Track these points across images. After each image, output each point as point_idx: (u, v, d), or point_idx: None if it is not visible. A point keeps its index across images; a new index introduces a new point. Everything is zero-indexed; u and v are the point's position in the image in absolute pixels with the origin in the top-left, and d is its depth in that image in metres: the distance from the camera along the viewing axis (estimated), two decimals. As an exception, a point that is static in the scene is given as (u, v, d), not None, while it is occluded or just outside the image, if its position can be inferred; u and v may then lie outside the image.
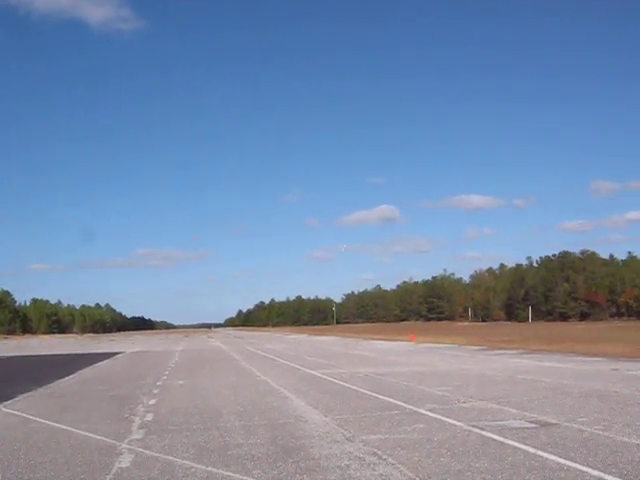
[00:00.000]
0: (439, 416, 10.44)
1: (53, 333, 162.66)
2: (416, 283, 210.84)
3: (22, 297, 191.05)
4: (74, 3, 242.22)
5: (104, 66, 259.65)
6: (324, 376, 18.30)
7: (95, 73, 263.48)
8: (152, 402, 13.39)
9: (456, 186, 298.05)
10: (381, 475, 6.72)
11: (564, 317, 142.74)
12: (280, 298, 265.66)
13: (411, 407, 11.53)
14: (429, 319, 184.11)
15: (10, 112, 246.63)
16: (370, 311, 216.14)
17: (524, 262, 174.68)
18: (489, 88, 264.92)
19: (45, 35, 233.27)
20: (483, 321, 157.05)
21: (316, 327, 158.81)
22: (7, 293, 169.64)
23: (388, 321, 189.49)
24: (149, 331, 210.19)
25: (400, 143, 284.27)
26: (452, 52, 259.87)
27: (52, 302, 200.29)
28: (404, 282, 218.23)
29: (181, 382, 17.76)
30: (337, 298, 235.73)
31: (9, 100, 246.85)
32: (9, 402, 14.11)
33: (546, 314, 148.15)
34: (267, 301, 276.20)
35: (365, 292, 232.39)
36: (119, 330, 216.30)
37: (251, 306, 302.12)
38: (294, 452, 7.96)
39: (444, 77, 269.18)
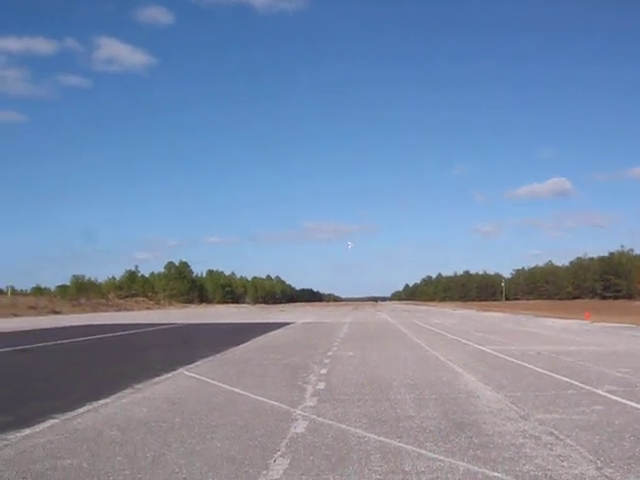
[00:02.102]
0: (619, 398, 9.91)
1: (227, 303, 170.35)
2: (591, 259, 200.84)
3: (199, 268, 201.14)
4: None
5: (270, 43, 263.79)
6: (494, 352, 17.92)
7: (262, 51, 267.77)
8: (323, 371, 13.69)
9: (635, 157, 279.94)
10: (559, 456, 6.48)
11: None
12: (447, 272, 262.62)
13: (589, 388, 11.04)
14: (604, 297, 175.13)
15: (190, 95, 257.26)
16: (541, 287, 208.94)
17: None
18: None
19: (214, 20, 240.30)
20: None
21: (484, 303, 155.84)
22: (185, 264, 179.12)
23: (560, 298, 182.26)
24: (317, 303, 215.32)
25: (572, 114, 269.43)
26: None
27: (226, 273, 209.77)
28: (578, 258, 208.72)
29: (351, 353, 18.03)
30: (506, 273, 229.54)
31: (188, 78, 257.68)
32: (191, 366, 14.94)
33: None
34: (434, 275, 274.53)
35: (536, 268, 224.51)
36: (288, 301, 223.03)
37: (418, 280, 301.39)
38: (466, 427, 7.86)
39: (618, 40, 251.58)
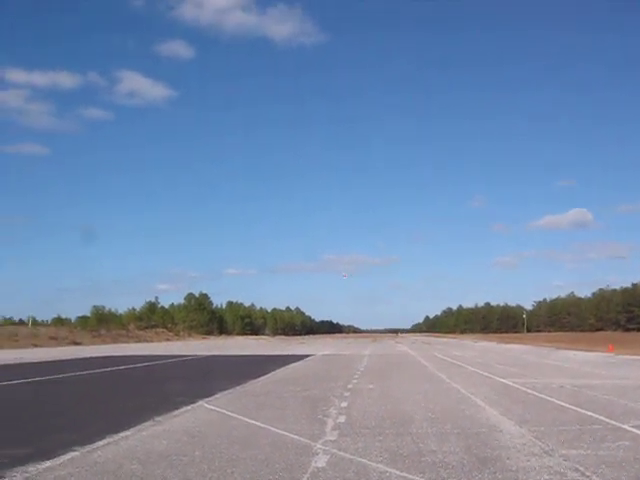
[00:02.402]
0: (646, 433, 9.75)
1: (246, 334, 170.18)
2: (614, 290, 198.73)
3: (218, 300, 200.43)
4: (260, 23, 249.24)
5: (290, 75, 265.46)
6: (516, 385, 17.72)
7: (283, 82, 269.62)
8: (344, 405, 13.58)
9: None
10: (585, 493, 6.36)
11: None
12: (468, 304, 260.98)
13: (614, 422, 10.85)
14: (628, 329, 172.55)
15: (215, 125, 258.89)
16: (563, 319, 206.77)
17: None
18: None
19: (233, 54, 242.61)
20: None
21: (505, 335, 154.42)
22: (205, 296, 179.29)
23: (582, 330, 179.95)
24: (337, 335, 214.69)
25: (590, 143, 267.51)
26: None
27: (246, 305, 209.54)
28: (600, 289, 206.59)
29: (371, 386, 17.90)
30: (527, 305, 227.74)
31: (211, 112, 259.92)
32: (210, 399, 14.88)
33: None
34: (454, 307, 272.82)
35: (557, 299, 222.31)
36: (308, 333, 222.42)
37: (438, 312, 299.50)
38: (490, 462, 7.74)
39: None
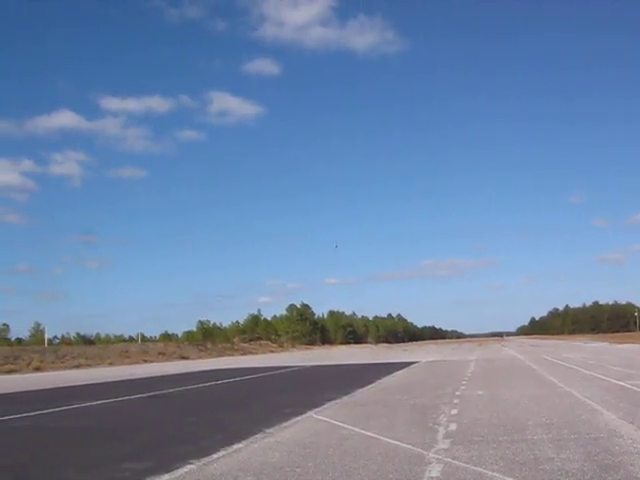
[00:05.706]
0: None
1: (349, 343, 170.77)
2: None
3: (319, 310, 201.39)
4: (341, 36, 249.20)
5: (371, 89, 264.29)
6: (635, 388, 16.98)
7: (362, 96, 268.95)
8: (454, 412, 13.36)
9: None
10: None
11: None
12: (574, 304, 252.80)
13: None
14: None
15: (297, 136, 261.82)
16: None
17: None
18: None
19: (316, 68, 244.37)
20: None
21: (616, 334, 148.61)
22: (307, 306, 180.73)
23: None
24: (440, 340, 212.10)
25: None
26: None
27: (347, 314, 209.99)
28: None
29: (480, 392, 17.56)
30: (639, 302, 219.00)
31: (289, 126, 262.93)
32: (319, 409, 14.94)
33: None
34: (561, 307, 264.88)
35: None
36: (411, 340, 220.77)
37: (544, 313, 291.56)
38: (612, 469, 7.42)
39: None
